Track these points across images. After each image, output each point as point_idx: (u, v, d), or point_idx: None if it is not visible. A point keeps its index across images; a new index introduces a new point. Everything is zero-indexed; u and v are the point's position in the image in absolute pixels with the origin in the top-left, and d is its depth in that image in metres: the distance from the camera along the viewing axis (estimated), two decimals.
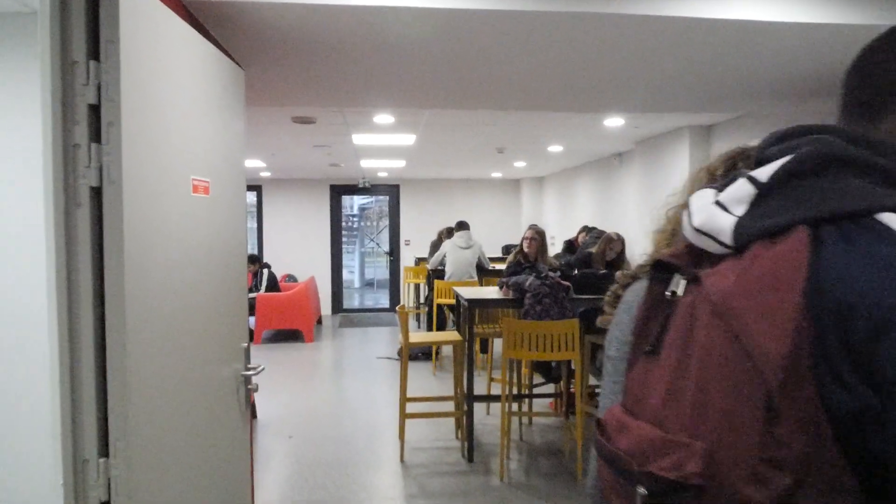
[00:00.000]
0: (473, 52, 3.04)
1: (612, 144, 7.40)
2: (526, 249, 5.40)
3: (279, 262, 12.15)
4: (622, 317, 0.93)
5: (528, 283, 4.55)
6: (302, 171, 10.74)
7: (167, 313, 1.72)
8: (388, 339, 9.60)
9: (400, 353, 8.41)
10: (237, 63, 2.63)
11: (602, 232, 7.73)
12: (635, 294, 0.92)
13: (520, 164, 9.48)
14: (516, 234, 12.39)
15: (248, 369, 2.32)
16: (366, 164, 9.25)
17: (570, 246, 8.03)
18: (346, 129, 6.13)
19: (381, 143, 6.85)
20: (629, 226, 7.70)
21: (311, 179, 12.16)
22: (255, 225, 12.29)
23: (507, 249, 11.09)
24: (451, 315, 8.27)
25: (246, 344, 2.36)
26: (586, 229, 8.41)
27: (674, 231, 0.99)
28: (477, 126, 6.13)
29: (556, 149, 7.63)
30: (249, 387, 2.33)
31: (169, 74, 1.77)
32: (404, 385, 4.66)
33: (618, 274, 1.09)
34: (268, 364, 8.27)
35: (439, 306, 7.48)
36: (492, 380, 5.72)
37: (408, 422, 4.71)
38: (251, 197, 12.31)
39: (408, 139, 6.68)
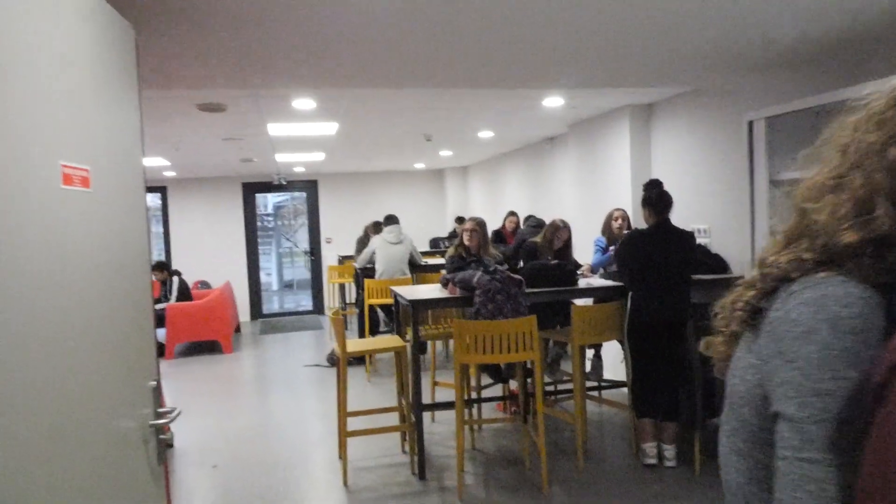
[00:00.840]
0: (405, 18, 2.57)
1: (544, 128, 7.10)
2: (467, 242, 4.99)
3: (190, 268, 11.24)
4: (843, 341, 0.73)
5: (476, 279, 4.13)
6: (211, 169, 9.92)
7: (28, 349, 1.18)
8: (314, 343, 8.99)
9: (330, 359, 7.88)
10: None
11: (541, 220, 7.44)
12: (861, 308, 0.74)
13: (446, 153, 9.07)
14: (443, 227, 12.02)
15: (160, 415, 1.78)
16: (281, 158, 8.58)
17: (499, 235, 7.70)
18: (260, 119, 5.51)
19: (300, 132, 6.26)
20: (564, 212, 7.44)
21: (221, 178, 11.31)
22: (161, 229, 11.34)
23: (435, 243, 10.68)
24: (384, 316, 7.77)
25: (154, 382, 1.81)
26: (513, 214, 8.11)
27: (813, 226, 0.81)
28: (404, 112, 5.65)
29: (486, 135, 7.26)
30: (163, 437, 1.79)
31: (21, 21, 1.22)
32: (344, 399, 4.15)
33: (745, 279, 0.91)
34: (183, 382, 7.59)
35: (371, 307, 6.97)
36: (435, 384, 5.28)
37: (348, 438, 4.21)
38: (154, 200, 11.34)
39: (329, 128, 6.12)
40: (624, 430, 4.87)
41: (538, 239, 5.10)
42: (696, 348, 3.95)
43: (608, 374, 5.63)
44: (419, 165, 11.10)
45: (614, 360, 5.79)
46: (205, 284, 11.11)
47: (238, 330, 10.34)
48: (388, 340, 4.41)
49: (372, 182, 11.99)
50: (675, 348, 4.07)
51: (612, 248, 5.13)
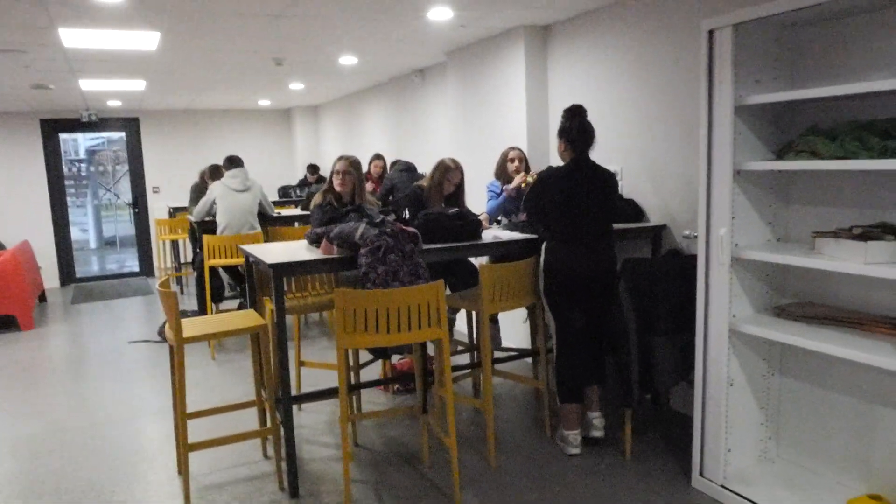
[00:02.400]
0: None
1: (417, 58, 6.09)
2: (338, 188, 3.97)
3: None
4: None
5: (360, 234, 3.14)
6: None
7: None
8: (142, 313, 7.52)
9: (162, 332, 6.50)
10: None
11: (410, 163, 6.50)
12: None
13: (296, 85, 7.78)
14: (292, 174, 10.69)
15: None
16: (88, 85, 6.86)
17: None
18: (45, 17, 4.02)
19: (108, 45, 4.77)
20: (439, 154, 6.56)
21: (10, 113, 9.15)
22: None
23: (285, 192, 9.40)
24: (228, 279, 6.52)
25: None
26: (378, 157, 7.14)
27: None
28: (249, 26, 4.40)
29: (348, 61, 6.12)
30: None
31: None
32: (181, 398, 3.04)
33: None
34: None
35: (213, 269, 5.71)
36: (301, 363, 4.26)
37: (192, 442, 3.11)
38: None
39: (148, 39, 4.71)
40: (530, 407, 4.18)
41: (424, 183, 4.17)
42: (630, 309, 3.28)
43: (507, 342, 4.92)
44: (264, 102, 9.65)
45: (512, 324, 5.08)
46: None
47: (43, 299, 8.52)
48: (241, 317, 3.32)
49: (207, 122, 10.34)
50: (604, 308, 3.37)
51: (506, 188, 4.33)
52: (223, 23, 4.37)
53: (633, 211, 4.11)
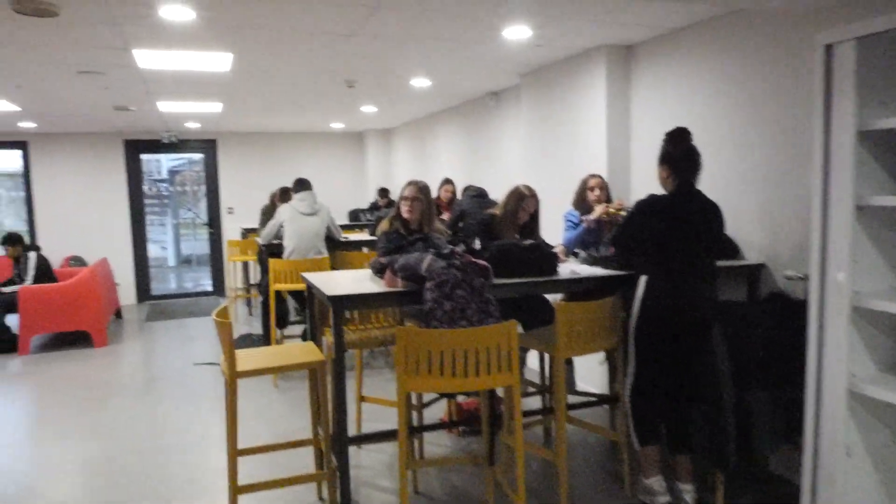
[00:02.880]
0: None
1: (491, 79, 5.88)
2: (406, 214, 3.75)
3: (60, 241, 9.45)
4: None
5: (426, 266, 2.90)
6: (82, 121, 8.14)
7: None
8: (211, 333, 7.52)
9: None
10: None
11: (481, 189, 6.26)
12: None
13: (369, 108, 7.70)
14: (362, 197, 10.65)
15: None
16: (166, 107, 6.98)
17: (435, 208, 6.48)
18: (118, 37, 4.02)
19: (182, 65, 4.77)
20: (512, 180, 6.30)
21: (96, 134, 9.49)
22: (23, 194, 9.42)
23: (355, 216, 9.34)
24: (295, 304, 6.42)
25: None
26: (448, 182, 6.93)
27: None
28: (320, 46, 4.30)
29: (421, 84, 5.97)
30: None
31: None
32: (233, 434, 2.85)
33: None
34: (31, 387, 5.84)
35: (278, 294, 5.61)
36: (362, 399, 4.05)
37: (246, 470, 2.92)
38: (12, 158, 9.39)
39: (221, 61, 4.68)
40: (607, 459, 3.81)
41: (497, 211, 3.91)
42: (725, 358, 2.90)
43: (581, 384, 4.57)
44: (337, 125, 9.67)
45: (587, 364, 4.72)
46: (78, 261, 9.35)
47: (119, 315, 8.69)
48: (299, 351, 3.13)
49: (281, 144, 10.45)
50: (698, 356, 3.01)
51: (585, 219, 4.01)
52: (295, 43, 4.27)
53: (729, 247, 3.72)
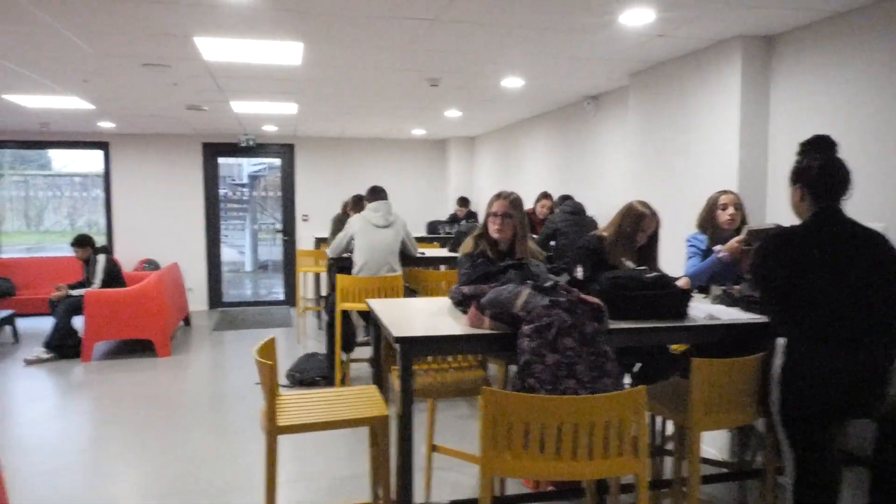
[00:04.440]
0: None
1: (593, 79, 5.16)
2: (495, 234, 3.09)
3: (136, 243, 9.32)
4: None
5: (521, 303, 2.23)
6: (159, 121, 7.92)
7: None
8: (281, 347, 7.02)
9: (292, 376, 5.91)
10: None
11: (579, 204, 5.53)
12: None
13: (453, 113, 7.11)
14: (442, 208, 10.07)
15: None
16: (240, 107, 6.60)
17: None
18: (177, 22, 3.56)
19: (250, 59, 4.30)
20: (613, 193, 5.55)
21: (176, 136, 9.32)
22: (103, 195, 9.36)
23: (433, 228, 8.76)
24: (364, 322, 5.86)
25: None
26: (546, 196, 6.22)
27: None
28: (398, 33, 3.72)
29: (513, 83, 5.31)
30: None
31: None
32: (271, 494, 2.26)
33: None
34: (88, 399, 5.22)
35: (345, 313, 5.06)
36: (434, 448, 3.39)
37: None
38: (96, 157, 9.35)
39: (292, 52, 4.17)
40: None
41: (605, 233, 3.19)
42: None
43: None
44: (418, 132, 9.13)
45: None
46: (152, 264, 9.17)
47: (188, 323, 8.41)
48: (357, 400, 2.51)
49: (359, 150, 10.02)
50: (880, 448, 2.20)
51: (718, 250, 3.23)
52: (369, 30, 3.70)
53: None
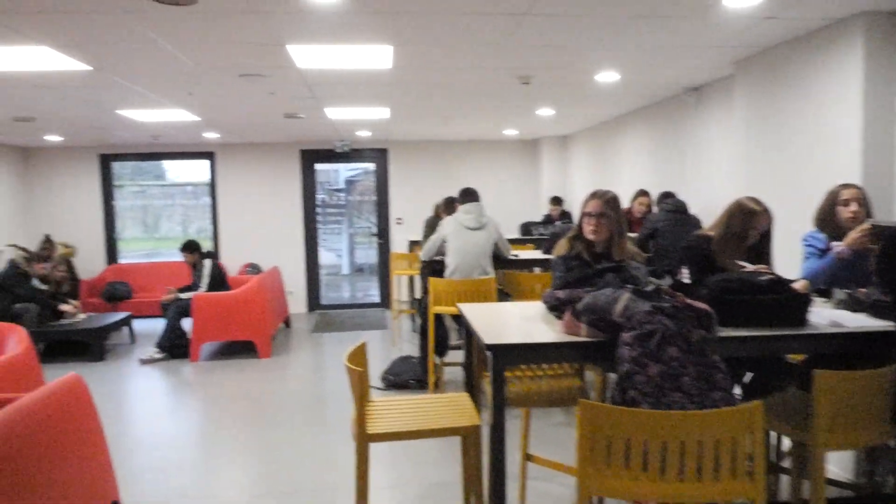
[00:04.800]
0: None
1: (689, 72, 4.88)
2: (590, 236, 2.93)
3: (239, 248, 9.72)
4: None
5: (621, 308, 2.09)
6: (260, 131, 8.22)
7: None
8: (374, 350, 7.15)
9: (386, 379, 5.96)
10: None
11: (681, 202, 5.25)
12: None
13: (545, 111, 6.95)
14: (535, 209, 9.90)
15: None
16: (335, 114, 6.73)
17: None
18: (268, 31, 3.63)
19: (342, 64, 4.34)
20: (715, 190, 5.23)
21: (275, 144, 9.65)
22: (210, 202, 9.82)
23: (526, 229, 8.61)
24: (456, 326, 5.82)
25: None
26: (644, 194, 5.95)
27: None
28: (488, 31, 3.63)
29: (607, 77, 5.11)
30: None
31: None
32: None
33: None
34: (196, 399, 5.38)
35: (438, 317, 5.02)
36: (528, 458, 3.28)
37: None
38: (203, 166, 9.83)
39: (382, 55, 4.18)
40: None
41: (712, 232, 2.97)
42: None
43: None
44: (510, 132, 9.02)
45: None
46: (254, 269, 9.54)
47: (288, 324, 8.68)
48: (448, 408, 2.45)
49: (451, 152, 10.01)
50: None
51: (835, 246, 2.94)
52: (458, 29, 3.64)
53: None
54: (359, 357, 2.40)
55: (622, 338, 2.03)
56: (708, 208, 5.27)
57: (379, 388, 5.57)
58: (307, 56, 4.10)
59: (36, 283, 7.10)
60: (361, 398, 2.22)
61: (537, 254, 6.13)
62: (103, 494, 3.07)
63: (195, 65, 4.33)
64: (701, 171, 5.65)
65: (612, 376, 2.25)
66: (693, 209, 5.31)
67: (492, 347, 2.14)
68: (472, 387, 2.84)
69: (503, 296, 5.05)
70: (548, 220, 8.65)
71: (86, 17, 3.26)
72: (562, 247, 3.02)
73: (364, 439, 2.21)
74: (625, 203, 5.74)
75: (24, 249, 7.46)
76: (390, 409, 2.46)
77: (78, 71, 4.35)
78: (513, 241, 6.09)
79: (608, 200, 2.98)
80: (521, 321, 2.54)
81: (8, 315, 6.70)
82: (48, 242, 8.44)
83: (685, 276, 2.75)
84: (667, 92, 5.88)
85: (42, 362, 6.84)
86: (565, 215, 8.68)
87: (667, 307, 2.04)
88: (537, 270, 5.75)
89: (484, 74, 4.87)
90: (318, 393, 5.58)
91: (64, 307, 7.22)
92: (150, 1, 2.99)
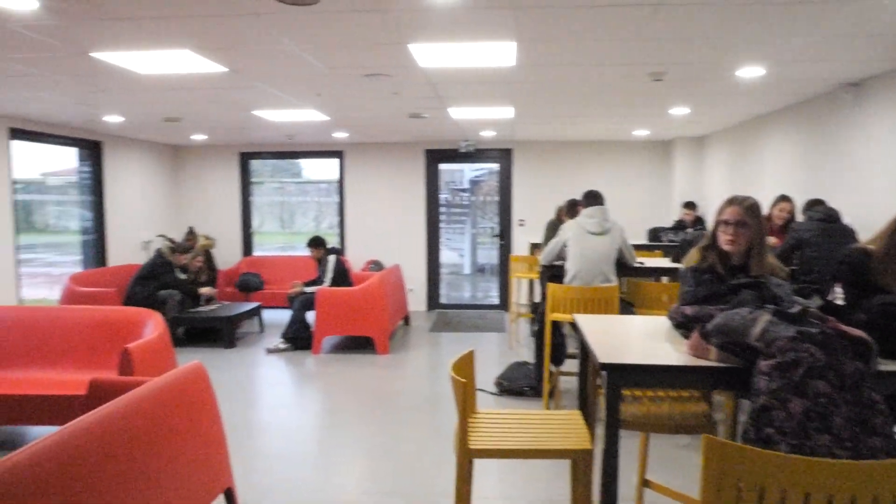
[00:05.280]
0: None
1: (847, 65, 4.36)
2: (726, 246, 2.64)
3: (364, 245, 9.97)
4: None
5: (758, 332, 1.83)
6: (386, 130, 8.37)
7: None
8: (490, 353, 7.06)
9: (500, 384, 5.84)
10: None
11: (832, 210, 4.73)
12: None
13: (679, 110, 6.53)
14: (665, 214, 9.39)
15: None
16: (458, 114, 6.68)
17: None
18: (390, 29, 3.61)
19: (464, 62, 4.27)
20: (877, 197, 4.66)
21: (401, 144, 9.80)
22: (338, 200, 10.14)
23: (654, 235, 8.17)
24: (574, 334, 5.58)
25: None
26: (785, 199, 5.43)
27: None
28: (618, 24, 3.40)
29: (750, 73, 4.69)
30: None
31: None
32: None
33: None
34: (321, 389, 5.71)
35: (556, 325, 4.83)
36: (646, 484, 3.03)
37: None
38: (333, 165, 10.17)
39: (505, 52, 4.05)
40: None
41: (873, 246, 2.59)
42: None
43: None
44: (640, 133, 8.60)
45: None
46: (377, 265, 9.74)
47: (407, 322, 8.77)
48: (559, 427, 2.28)
49: (577, 154, 9.70)
50: None
51: None
52: (585, 21, 3.44)
53: None
54: (465, 366, 2.29)
55: (759, 366, 1.78)
56: (863, 220, 4.71)
57: (492, 393, 5.46)
58: (429, 55, 4.05)
59: (178, 272, 7.62)
60: (465, 410, 2.11)
61: (665, 262, 5.77)
62: (218, 480, 3.17)
63: (322, 66, 4.42)
64: (858, 176, 5.06)
65: (745, 402, 2.00)
66: (846, 219, 4.76)
67: (607, 367, 1.95)
68: (585, 404, 2.65)
69: (626, 306, 4.77)
70: (679, 225, 8.16)
71: (221, 21, 3.38)
72: (692, 257, 2.75)
73: (466, 454, 2.09)
74: (763, 210, 5.26)
75: (170, 240, 8.04)
76: (497, 422, 2.34)
77: (216, 73, 4.57)
78: (639, 248, 5.77)
79: (748, 207, 2.67)
80: (642, 338, 2.32)
81: (153, 300, 7.25)
82: (191, 234, 9.07)
83: (838, 296, 2.40)
84: (819, 88, 5.32)
85: (182, 346, 7.35)
86: (699, 221, 8.15)
87: (815, 333, 1.76)
88: (665, 280, 5.40)
89: (613, 71, 4.62)
90: (433, 393, 5.56)
91: (203, 290, 7.71)
92: (276, 2, 3.04)
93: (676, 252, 5.60)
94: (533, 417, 2.39)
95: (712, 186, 8.51)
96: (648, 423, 2.48)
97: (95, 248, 8.34)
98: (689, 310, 2.21)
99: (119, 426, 2.32)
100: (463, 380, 2.11)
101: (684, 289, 2.55)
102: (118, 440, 2.27)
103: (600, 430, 2.14)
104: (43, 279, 8.79)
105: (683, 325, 2.24)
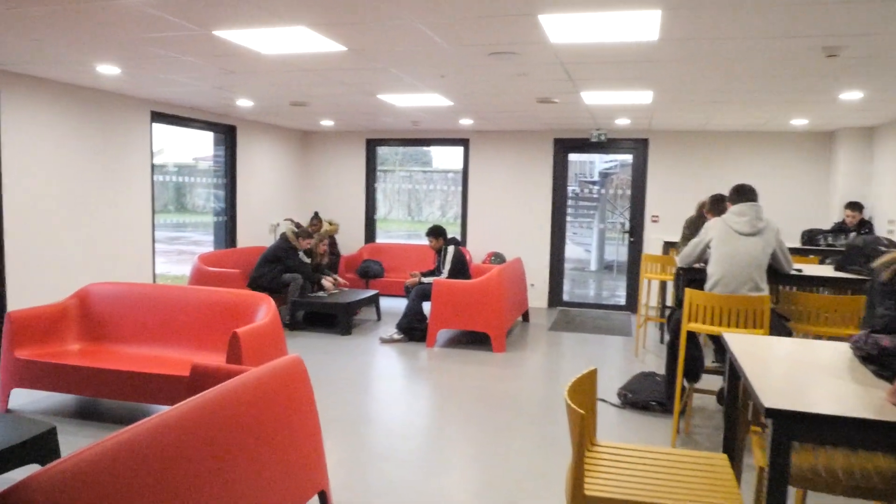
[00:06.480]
0: None
1: None
2: None
3: (485, 236, 9.67)
4: None
5: None
6: (513, 118, 7.99)
7: None
8: (612, 360, 6.52)
9: (624, 395, 5.27)
10: None
11: None
12: None
13: (851, 94, 5.64)
14: (823, 214, 8.32)
15: None
16: (591, 98, 6.17)
17: None
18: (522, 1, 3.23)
19: (600, 36, 3.80)
20: None
21: (528, 132, 9.38)
22: (461, 189, 9.89)
23: (810, 237, 7.24)
24: (714, 346, 4.97)
25: None
26: None
27: None
28: None
29: None
30: None
31: None
32: None
33: None
34: (433, 385, 5.29)
35: (691, 335, 4.26)
36: None
37: None
38: (457, 153, 9.93)
39: (647, 24, 3.55)
40: None
41: None
42: None
43: None
44: (798, 122, 7.63)
45: None
46: (499, 258, 9.41)
47: (526, 319, 8.37)
48: (698, 473, 1.83)
49: (723, 144, 8.82)
50: None
51: None
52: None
53: None
54: (585, 388, 1.90)
55: None
56: None
57: (614, 405, 4.97)
58: (561, 28, 3.62)
59: (301, 255, 7.68)
60: (581, 447, 1.72)
61: (826, 270, 4.98)
62: (312, 481, 2.97)
63: (447, 44, 4.11)
64: None
65: None
66: None
67: (774, 413, 1.49)
68: (733, 445, 2.16)
69: (778, 319, 4.12)
70: (839, 228, 7.18)
71: None
72: (884, 266, 2.16)
73: (579, 501, 1.70)
74: None
75: (296, 224, 8.14)
76: (619, 459, 1.92)
77: (334, 52, 4.40)
78: (792, 252, 5.02)
79: None
80: (818, 372, 1.81)
81: (278, 283, 7.34)
82: (316, 219, 9.16)
83: None
84: None
85: (300, 330, 7.41)
86: (864, 224, 7.13)
87: None
88: (825, 292, 4.66)
89: (775, 45, 3.96)
90: (549, 399, 5.15)
91: (325, 282, 7.73)
92: None
93: (841, 258, 4.81)
94: (667, 458, 1.95)
95: (884, 186, 7.40)
96: (820, 480, 1.95)
97: (226, 230, 8.62)
98: (886, 340, 1.68)
99: (212, 419, 2.20)
100: (581, 411, 1.71)
101: (879, 311, 1.99)
102: (211, 432, 2.19)
103: (747, 476, 1.67)
104: (188, 256, 9.22)
105: (876, 360, 1.72)
